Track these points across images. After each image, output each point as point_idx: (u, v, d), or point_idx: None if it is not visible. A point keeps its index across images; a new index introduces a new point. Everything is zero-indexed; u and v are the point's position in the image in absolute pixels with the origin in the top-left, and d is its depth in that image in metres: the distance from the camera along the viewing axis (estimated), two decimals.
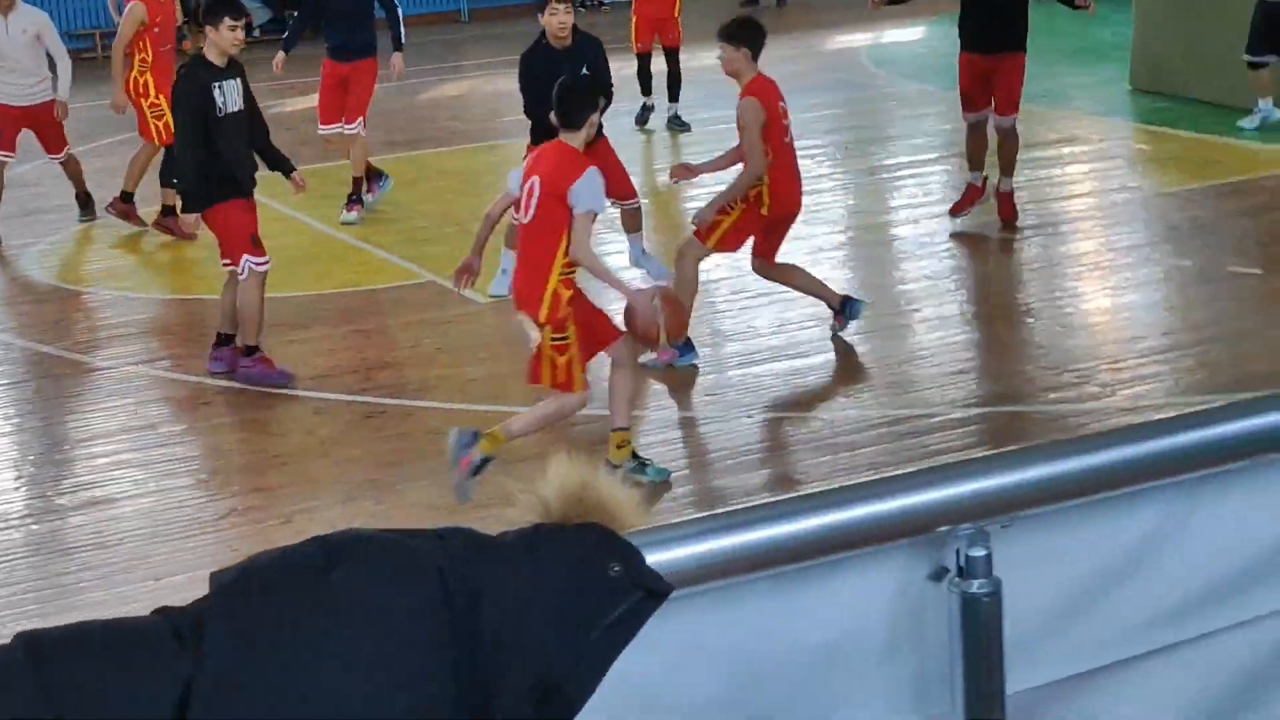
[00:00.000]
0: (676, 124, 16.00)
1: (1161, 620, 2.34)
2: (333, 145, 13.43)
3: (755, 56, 9.41)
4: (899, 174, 14.19)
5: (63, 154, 13.21)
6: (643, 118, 16.14)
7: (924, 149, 15.04)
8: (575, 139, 7.84)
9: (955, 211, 12.19)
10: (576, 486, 1.95)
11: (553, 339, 7.72)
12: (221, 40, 9.46)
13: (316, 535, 1.84)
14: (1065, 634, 2.29)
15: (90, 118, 16.25)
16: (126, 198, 13.06)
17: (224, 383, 9.70)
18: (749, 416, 8.83)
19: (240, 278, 9.48)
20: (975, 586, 2.15)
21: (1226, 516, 2.35)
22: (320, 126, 13.35)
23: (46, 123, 12.97)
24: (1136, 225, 12.21)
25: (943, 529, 2.14)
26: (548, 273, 7.69)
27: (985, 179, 12.06)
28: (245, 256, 9.45)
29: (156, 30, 12.81)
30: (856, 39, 21.72)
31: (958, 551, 2.15)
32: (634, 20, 16.08)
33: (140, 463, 8.61)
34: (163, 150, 12.72)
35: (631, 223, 11.21)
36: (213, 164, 9.38)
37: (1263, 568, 2.38)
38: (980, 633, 2.16)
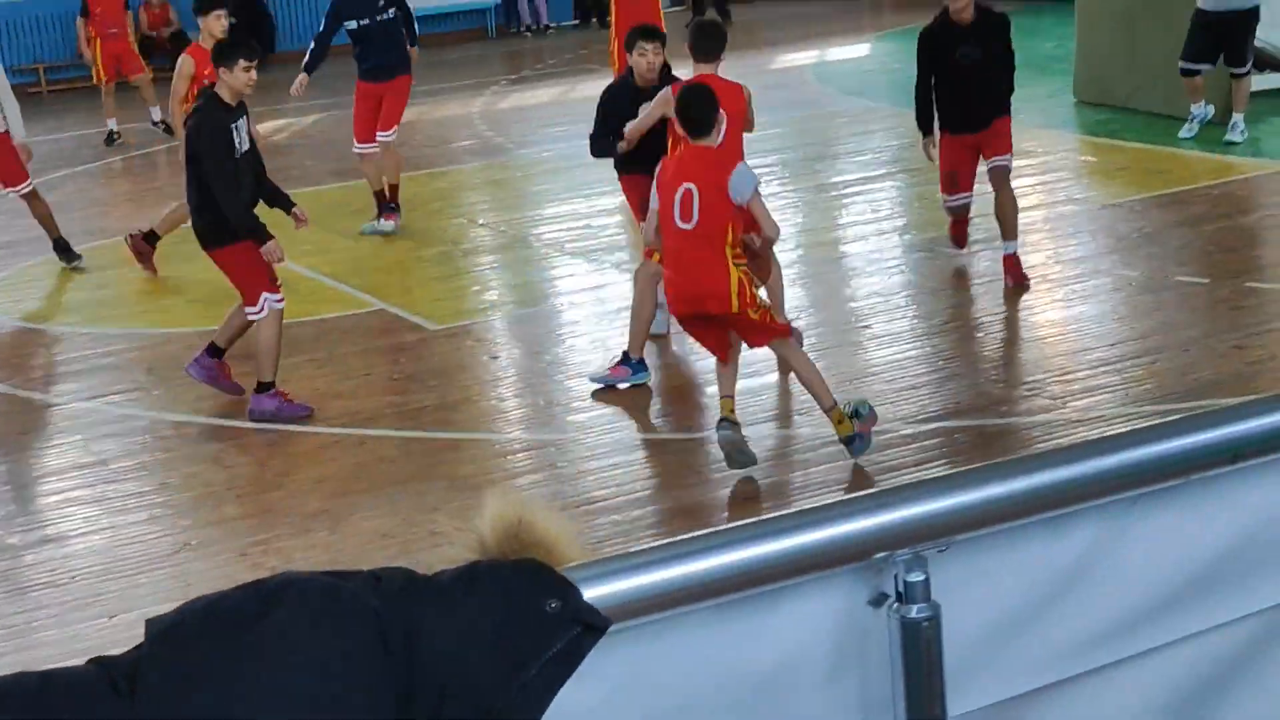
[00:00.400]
0: None
1: (1100, 639, 2.36)
2: (367, 163, 13.61)
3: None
4: (847, 191, 14.24)
5: (22, 187, 13.09)
6: None
7: (871, 165, 15.11)
8: (709, 142, 8.23)
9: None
10: (512, 522, 1.96)
11: (752, 313, 8.09)
12: (236, 81, 9.43)
13: (252, 580, 1.84)
14: (1005, 655, 2.30)
15: (37, 153, 16.17)
16: (150, 238, 12.83)
17: (176, 416, 9.66)
18: (696, 438, 8.84)
19: (259, 316, 9.44)
20: (914, 611, 2.16)
21: (1162, 533, 2.36)
22: (356, 145, 13.67)
23: (3, 155, 12.91)
24: (1083, 237, 12.29)
25: (880, 555, 2.16)
26: (726, 266, 8.03)
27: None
28: (265, 295, 9.42)
29: (207, 81, 12.67)
30: (802, 57, 21.81)
31: (896, 577, 2.16)
32: (616, 44, 15.82)
33: (92, 499, 8.57)
34: None
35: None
36: None
37: (1199, 584, 2.40)
38: (921, 657, 2.17)
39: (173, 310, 11.96)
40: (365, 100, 13.53)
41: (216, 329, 9.87)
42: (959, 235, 11.68)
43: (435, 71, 22.57)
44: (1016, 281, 10.99)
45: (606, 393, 9.48)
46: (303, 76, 13.70)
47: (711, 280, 8.07)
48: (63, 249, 13.22)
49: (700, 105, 8.26)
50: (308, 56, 13.75)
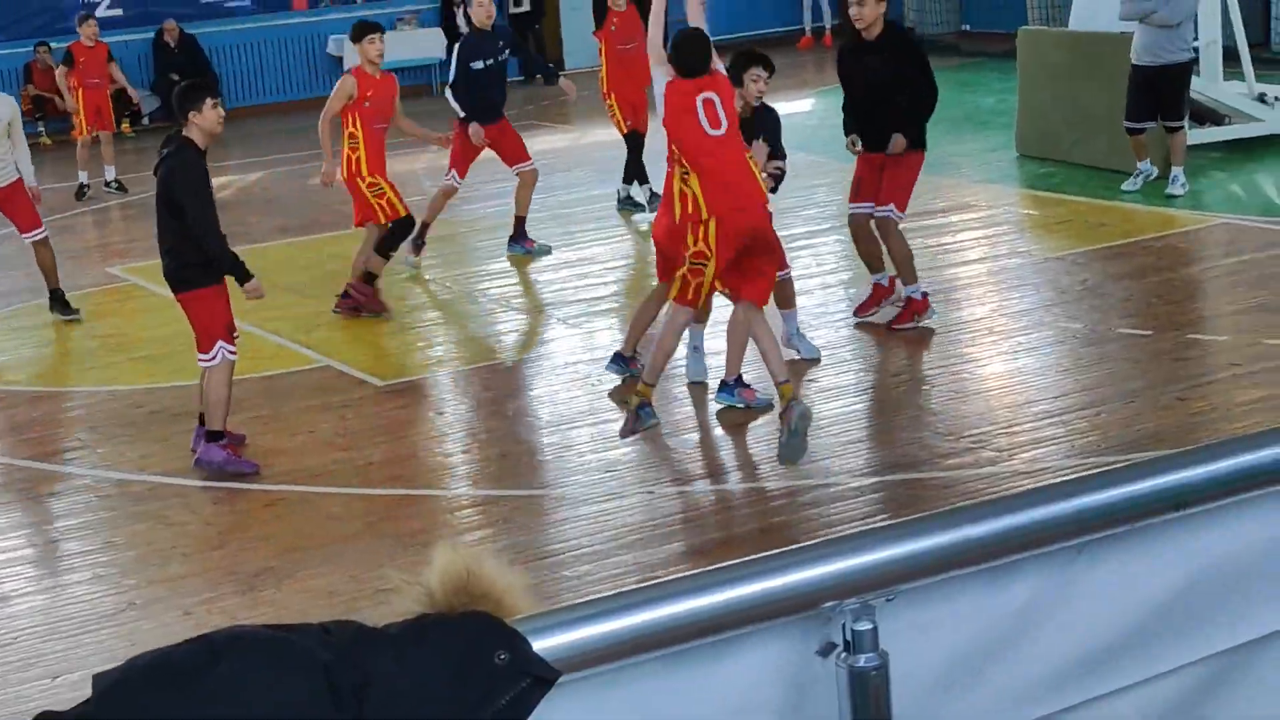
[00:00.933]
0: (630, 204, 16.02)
1: (1048, 686, 2.37)
2: (446, 200, 14.15)
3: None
4: (793, 245, 14.25)
5: (36, 233, 13.01)
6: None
7: (816, 219, 15.18)
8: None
9: (861, 312, 11.67)
10: (461, 574, 1.96)
11: (692, 262, 8.66)
12: (206, 121, 9.37)
13: (201, 634, 1.83)
14: (953, 704, 2.31)
15: None
16: (369, 279, 12.77)
17: (120, 474, 9.60)
18: (649, 491, 8.84)
19: (211, 364, 9.39)
20: (862, 660, 2.17)
21: (1108, 581, 2.38)
22: (456, 178, 14.06)
23: (19, 201, 12.84)
24: (1027, 290, 12.37)
25: (828, 604, 2.17)
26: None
27: (892, 278, 11.53)
28: (220, 343, 9.38)
29: (368, 105, 12.53)
30: None
31: (844, 626, 2.17)
32: (613, 100, 15.91)
33: (34, 559, 8.51)
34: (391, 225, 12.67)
35: (785, 297, 10.80)
36: (197, 249, 9.33)
37: (1145, 631, 2.42)
38: (869, 706, 2.17)
39: (116, 367, 11.90)
40: (468, 139, 13.88)
41: (200, 409, 9.72)
42: (864, 253, 11.63)
43: None
44: (900, 323, 11.32)
45: (540, 441, 9.46)
46: (476, 127, 13.85)
47: (756, 183, 8.81)
48: (60, 301, 13.14)
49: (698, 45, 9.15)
50: (462, 108, 13.90)
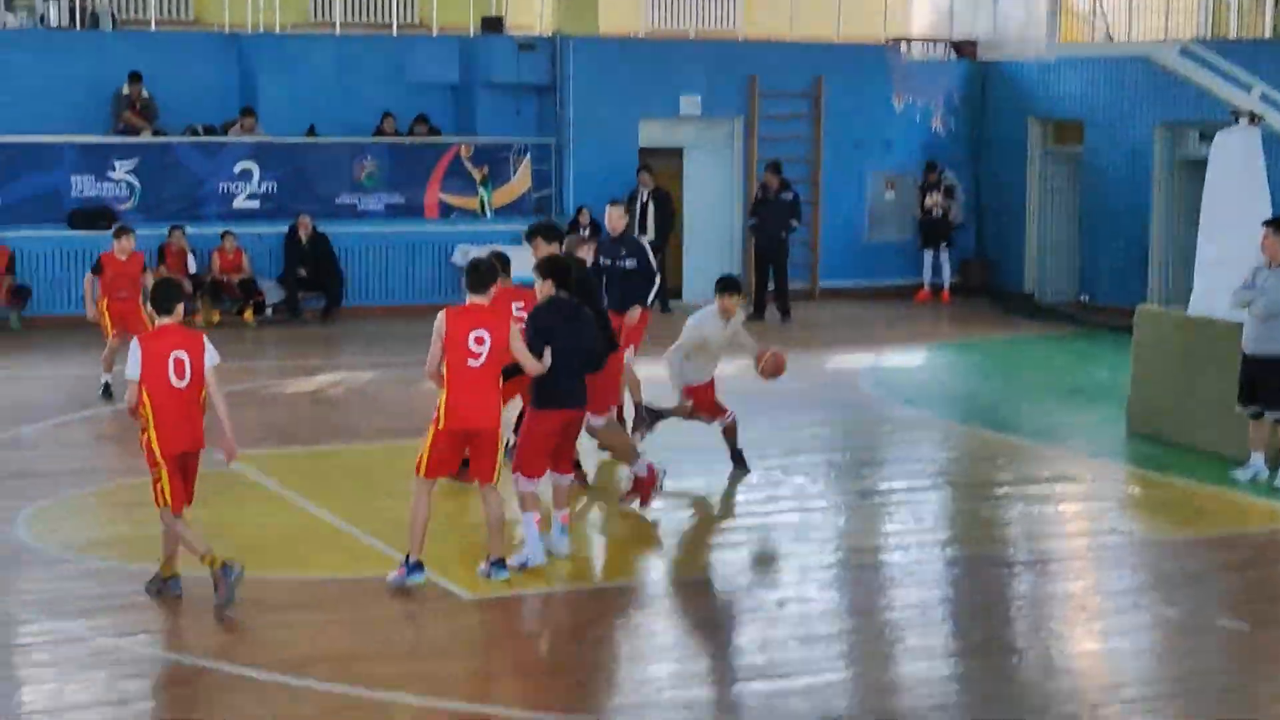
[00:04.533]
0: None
1: None
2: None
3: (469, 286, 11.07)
4: (892, 498, 14.24)
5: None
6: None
7: (918, 475, 15.12)
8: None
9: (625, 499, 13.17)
10: None
11: None
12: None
13: None
14: None
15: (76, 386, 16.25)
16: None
17: (202, 662, 9.62)
18: None
19: None
20: None
21: None
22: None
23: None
24: (1125, 570, 12.21)
25: None
26: None
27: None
28: None
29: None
30: (856, 360, 21.99)
31: None
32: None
33: None
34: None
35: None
36: None
37: None
38: None
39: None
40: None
41: None
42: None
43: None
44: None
45: (619, 672, 9.38)
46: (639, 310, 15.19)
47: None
48: None
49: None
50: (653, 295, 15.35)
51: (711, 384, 14.53)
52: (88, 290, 17.91)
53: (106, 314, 17.52)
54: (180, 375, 10.40)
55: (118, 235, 17.94)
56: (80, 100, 24.78)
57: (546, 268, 11.75)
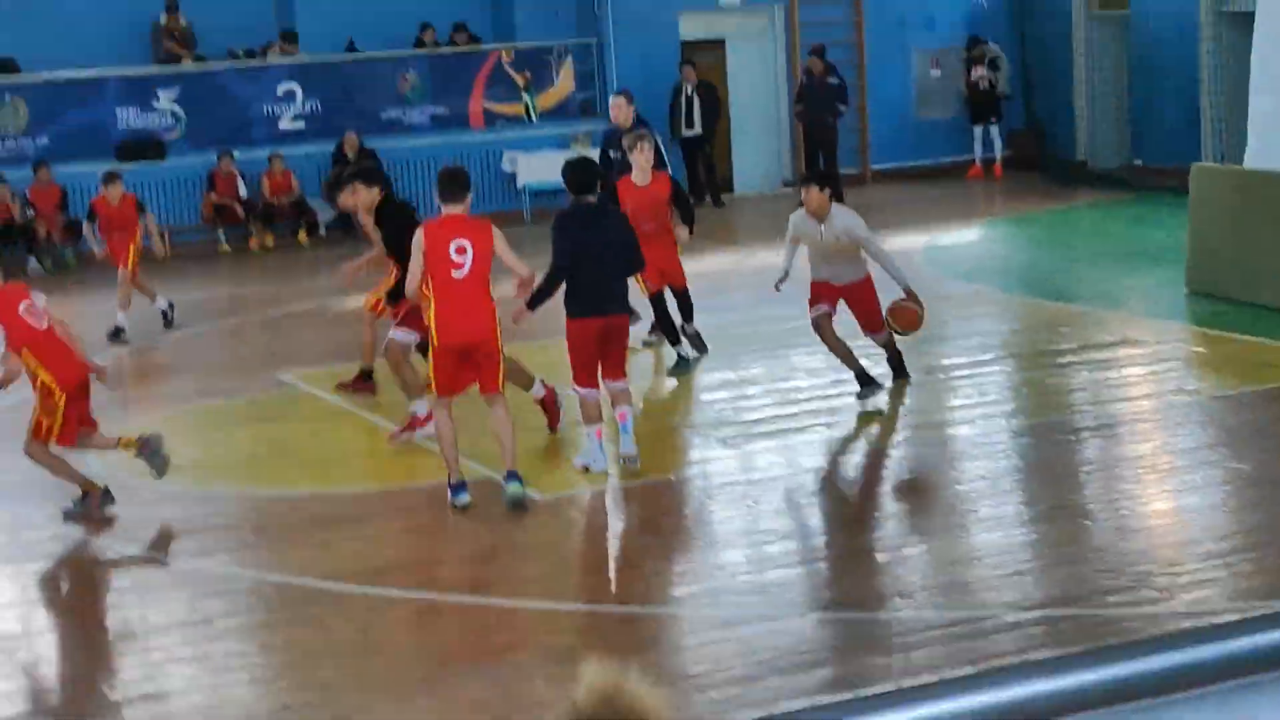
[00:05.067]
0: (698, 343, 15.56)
1: None
2: None
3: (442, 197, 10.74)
4: (955, 374, 14.22)
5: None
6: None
7: (979, 349, 15.09)
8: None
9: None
10: (608, 692, 1.98)
11: None
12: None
13: None
14: None
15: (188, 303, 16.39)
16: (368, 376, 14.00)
17: (280, 578, 9.74)
18: (800, 616, 8.79)
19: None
20: None
21: None
22: None
23: None
24: (1193, 428, 12.18)
25: None
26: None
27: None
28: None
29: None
30: (913, 239, 21.87)
31: None
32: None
33: (194, 658, 8.63)
34: None
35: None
36: None
37: None
38: None
39: (283, 471, 12.10)
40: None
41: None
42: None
43: None
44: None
45: (693, 560, 9.45)
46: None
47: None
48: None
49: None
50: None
51: (853, 287, 13.11)
52: (89, 235, 18.37)
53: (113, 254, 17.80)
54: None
55: (106, 182, 18.01)
56: (119, 33, 24.85)
57: (567, 174, 11.57)
